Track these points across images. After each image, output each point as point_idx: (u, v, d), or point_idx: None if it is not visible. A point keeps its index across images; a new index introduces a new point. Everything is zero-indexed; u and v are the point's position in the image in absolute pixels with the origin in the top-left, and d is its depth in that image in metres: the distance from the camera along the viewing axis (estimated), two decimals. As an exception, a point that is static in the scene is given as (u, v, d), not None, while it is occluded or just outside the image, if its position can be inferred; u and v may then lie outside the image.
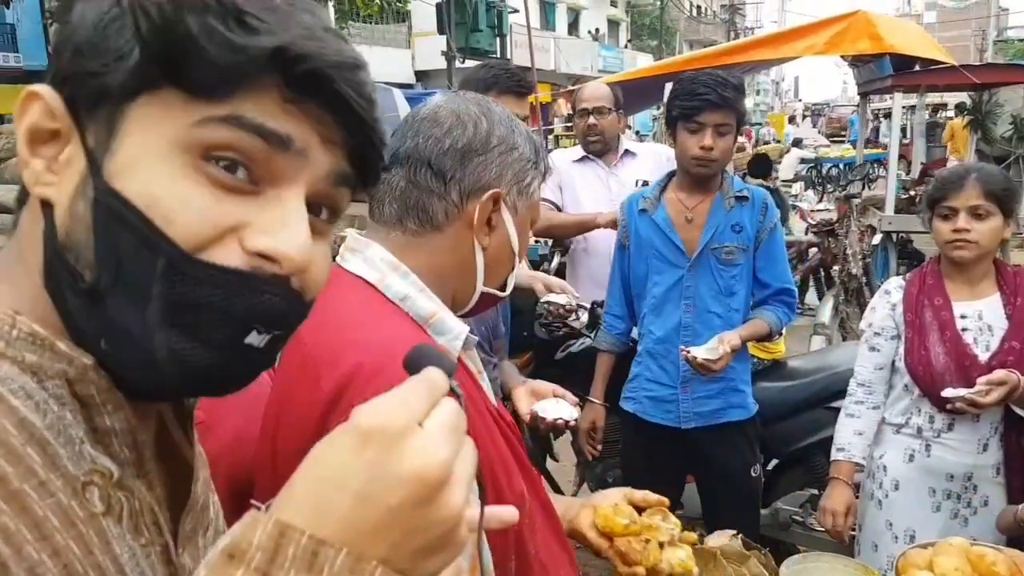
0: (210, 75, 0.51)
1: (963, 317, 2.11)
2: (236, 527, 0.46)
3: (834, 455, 2.26)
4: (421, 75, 21.35)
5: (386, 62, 19.44)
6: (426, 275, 1.04)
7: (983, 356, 2.05)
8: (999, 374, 1.93)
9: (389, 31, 21.90)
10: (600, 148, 3.25)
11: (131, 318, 0.51)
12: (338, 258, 1.07)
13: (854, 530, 2.37)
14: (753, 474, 2.58)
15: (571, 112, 3.42)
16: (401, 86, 14.39)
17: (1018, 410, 2.01)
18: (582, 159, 3.28)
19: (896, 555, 2.13)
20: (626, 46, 35.59)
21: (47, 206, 0.53)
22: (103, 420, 0.55)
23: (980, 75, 6.25)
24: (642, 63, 21.10)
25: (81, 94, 0.53)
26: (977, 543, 1.42)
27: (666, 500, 1.34)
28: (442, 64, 14.67)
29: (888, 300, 2.26)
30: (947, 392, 2.03)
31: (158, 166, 0.51)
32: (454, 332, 1.03)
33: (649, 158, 3.33)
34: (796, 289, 2.60)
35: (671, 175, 2.56)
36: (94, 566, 0.52)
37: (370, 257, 1.04)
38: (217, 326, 0.52)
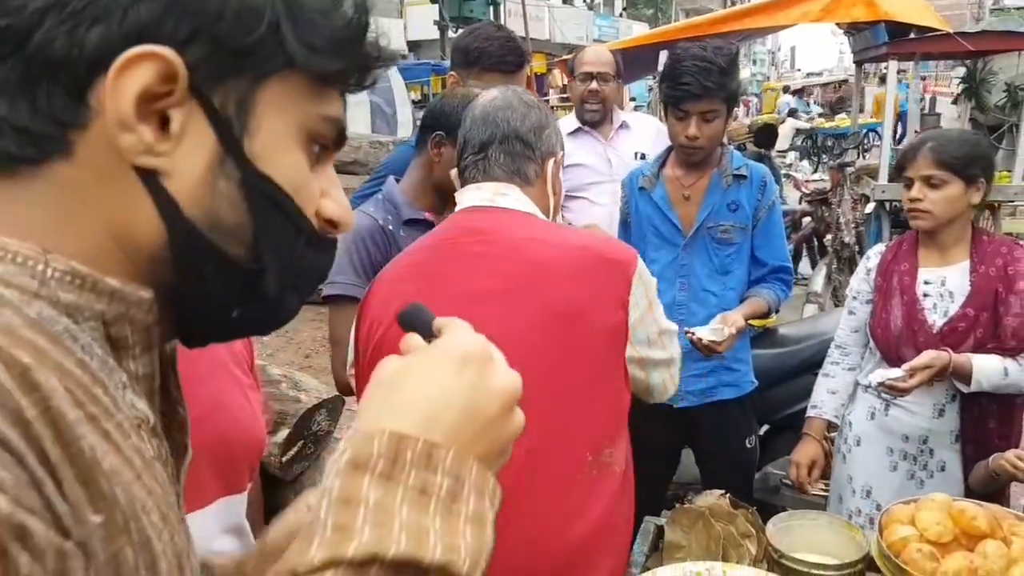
0: (340, 65, 0.57)
1: (927, 283, 2.14)
2: (345, 441, 0.54)
3: (808, 412, 2.37)
4: (413, 45, 21.12)
5: (378, 32, 19.13)
6: None
7: (938, 322, 2.08)
8: (924, 357, 1.98)
9: (381, 0, 21.63)
10: (598, 118, 3.06)
11: (272, 289, 0.57)
12: (488, 202, 1.45)
13: (827, 488, 2.44)
14: (749, 445, 2.61)
15: (565, 80, 3.26)
16: (394, 57, 14.22)
17: (959, 385, 2.04)
18: (576, 131, 3.09)
19: (855, 508, 2.21)
20: (621, 15, 35.18)
21: (148, 174, 0.51)
22: (130, 364, 0.53)
23: (975, 42, 6.20)
24: (637, 32, 20.88)
25: (214, 63, 0.51)
26: (959, 499, 1.45)
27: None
28: (435, 34, 14.53)
29: (866, 265, 2.31)
30: (868, 379, 2.10)
31: (295, 152, 0.56)
32: None
33: (644, 130, 3.21)
34: (792, 265, 2.61)
35: (670, 150, 2.54)
36: (170, 507, 0.52)
37: (519, 198, 1.45)
38: (313, 284, 0.61)
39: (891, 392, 2.04)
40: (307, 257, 0.59)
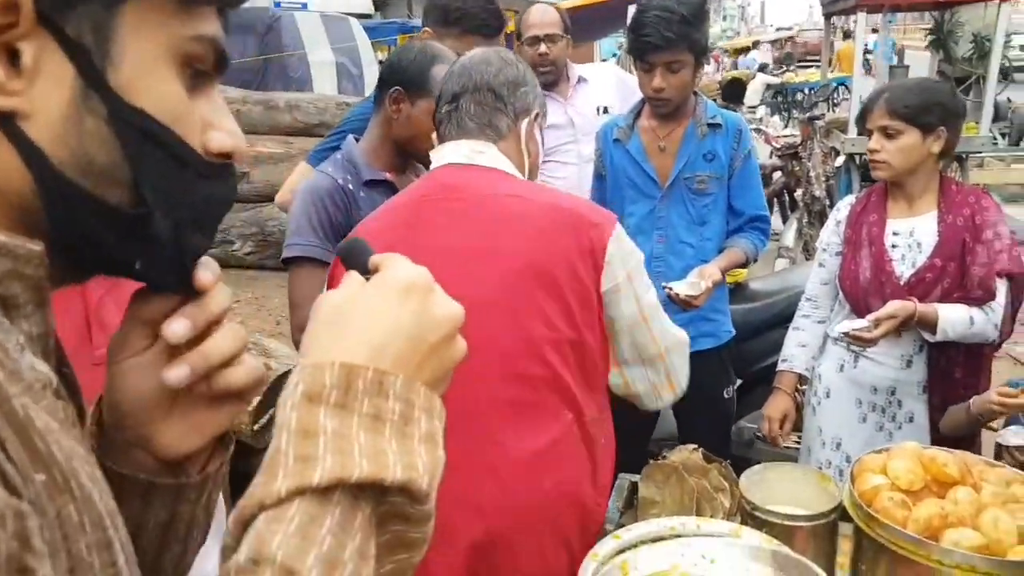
0: None
1: (895, 234, 2.14)
2: (296, 375, 0.54)
3: (779, 366, 2.37)
4: (380, 3, 20.66)
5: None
6: None
7: (906, 273, 2.08)
8: (889, 307, 1.98)
9: (344, -42, 21.09)
10: (552, 79, 2.96)
11: (165, 231, 0.53)
12: (467, 159, 1.44)
13: (799, 442, 2.46)
14: (726, 396, 2.63)
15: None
16: (359, 16, 13.93)
17: (925, 335, 2.04)
18: None
19: (825, 460, 2.23)
20: (590, -29, 34.71)
21: (3, 117, 0.46)
22: (22, 324, 0.49)
23: (943, -8, 6.19)
24: (606, -12, 20.61)
25: None
26: (929, 447, 1.46)
27: None
28: (401, -8, 14.21)
29: (836, 217, 2.30)
30: (834, 329, 2.10)
31: (167, 80, 0.52)
32: None
33: (603, 81, 3.13)
34: (769, 221, 2.58)
35: (643, 101, 2.50)
36: (93, 465, 0.51)
37: (496, 156, 1.45)
38: (216, 217, 0.59)
39: (857, 343, 2.05)
40: (200, 189, 0.55)
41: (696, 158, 2.40)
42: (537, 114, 1.52)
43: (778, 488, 1.52)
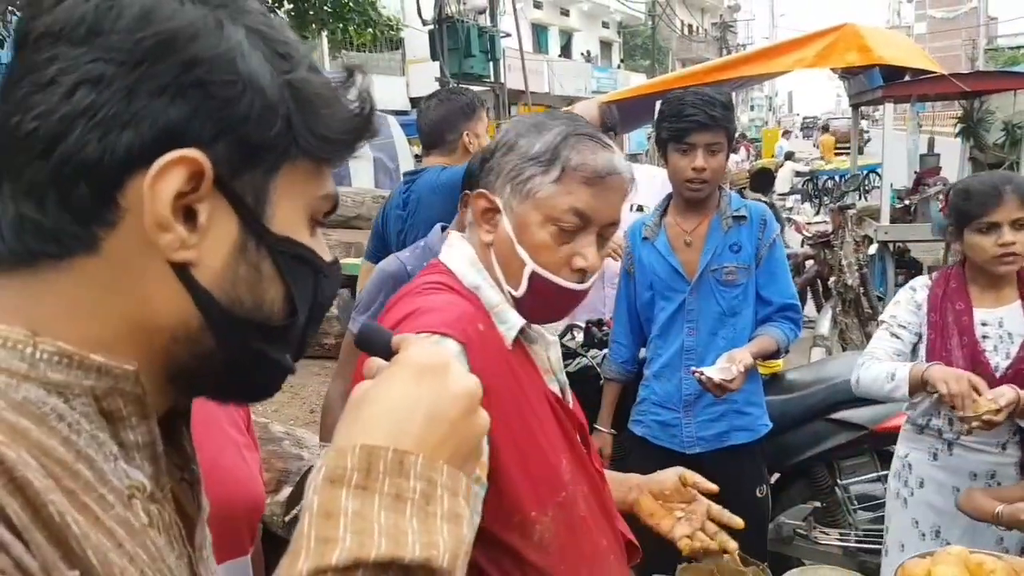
0: (348, 150, 0.62)
1: (984, 324, 2.10)
2: (320, 460, 0.57)
3: (900, 376, 2.07)
4: (416, 101, 21.43)
5: (380, 90, 19.52)
6: (499, 265, 1.21)
7: (1002, 364, 2.05)
8: (1009, 394, 1.88)
9: (383, 59, 22.06)
10: None
11: (300, 329, 0.62)
12: (441, 251, 1.29)
13: (842, 538, 2.35)
14: (759, 495, 2.55)
15: None
16: (396, 113, 14.47)
17: (1021, 422, 1.99)
18: None
19: (923, 552, 2.11)
20: (619, 67, 35.81)
21: (180, 267, 0.54)
22: (127, 435, 0.55)
23: (970, 83, 6.27)
24: (635, 83, 21.25)
25: (236, 158, 0.55)
26: (976, 552, 1.40)
27: (715, 488, 1.42)
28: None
29: (914, 297, 2.23)
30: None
31: (302, 232, 0.61)
32: (509, 323, 1.18)
33: (644, 182, 3.22)
34: (800, 311, 2.55)
35: (669, 197, 2.55)
36: (159, 572, 0.54)
37: (457, 252, 1.24)
38: (326, 308, 0.66)
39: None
40: (324, 289, 0.64)
41: (723, 250, 2.42)
42: (499, 190, 1.21)
43: (819, 593, 1.46)
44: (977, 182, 2.21)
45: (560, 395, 1.28)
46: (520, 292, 1.18)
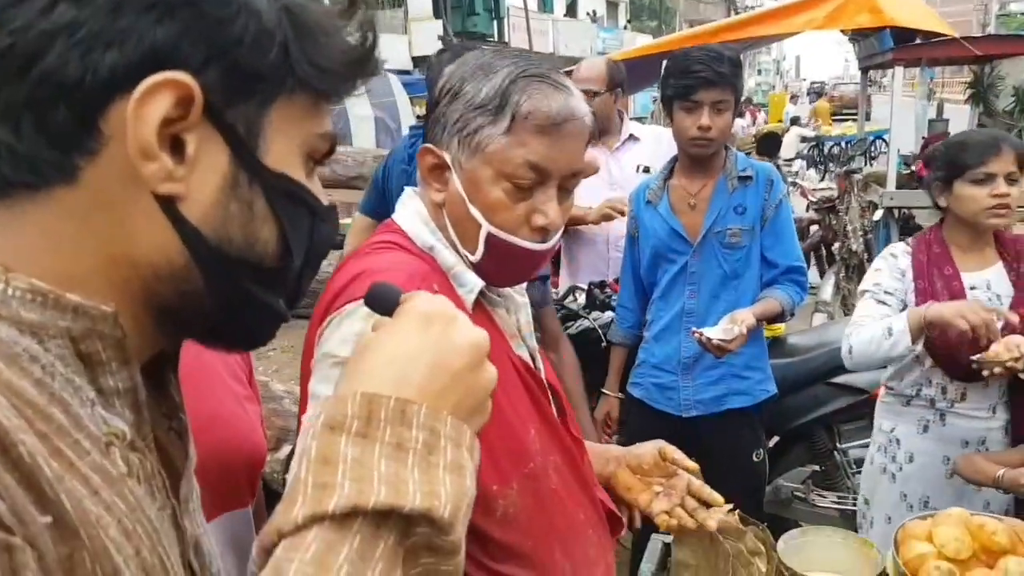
0: (348, 84, 0.59)
1: (972, 288, 2.08)
2: (319, 407, 0.55)
3: (898, 328, 2.00)
4: (419, 61, 21.16)
5: (383, 48, 19.21)
6: (452, 227, 1.11)
7: (997, 326, 2.02)
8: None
9: (385, 17, 21.70)
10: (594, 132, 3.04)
11: (295, 273, 0.60)
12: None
13: (838, 502, 2.35)
14: (756, 459, 2.55)
15: None
16: (398, 72, 14.30)
17: None
18: None
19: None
20: (625, 27, 35.31)
21: (166, 200, 0.51)
22: (107, 380, 0.53)
23: (981, 47, 6.18)
24: (641, 44, 20.98)
25: (228, 85, 0.52)
26: (977, 513, 1.40)
27: (696, 466, 1.33)
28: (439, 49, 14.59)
29: (896, 264, 2.19)
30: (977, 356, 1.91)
31: (298, 171, 0.58)
32: (468, 286, 1.09)
33: (651, 143, 3.18)
34: (807, 273, 2.51)
35: (675, 160, 2.51)
36: (139, 522, 0.51)
37: (410, 211, 1.14)
38: (325, 254, 0.63)
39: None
40: (321, 232, 0.61)
41: (727, 212, 2.38)
42: (447, 147, 1.08)
43: (817, 553, 1.47)
44: (975, 134, 2.20)
45: (531, 361, 1.19)
46: (477, 256, 1.08)
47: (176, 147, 0.51)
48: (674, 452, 1.32)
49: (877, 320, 2.09)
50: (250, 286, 0.57)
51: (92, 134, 0.49)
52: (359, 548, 0.50)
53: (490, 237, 1.07)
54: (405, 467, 0.53)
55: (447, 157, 1.07)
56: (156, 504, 0.55)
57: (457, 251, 1.10)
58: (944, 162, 2.11)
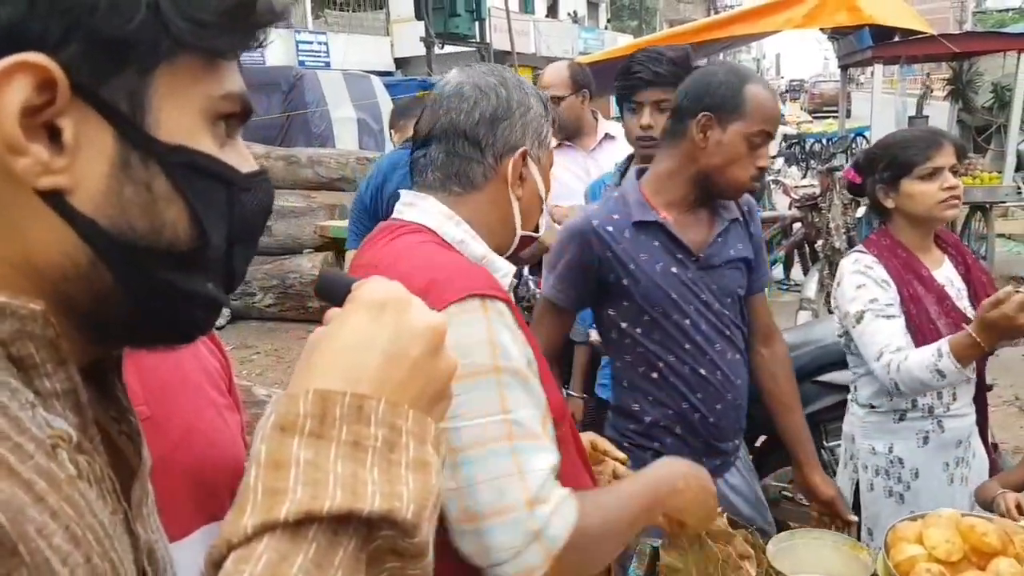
0: (234, 37, 0.53)
1: (944, 286, 2.07)
2: (271, 407, 0.51)
3: (935, 354, 1.88)
4: (401, 62, 21.14)
5: (365, 50, 19.23)
6: (473, 228, 1.20)
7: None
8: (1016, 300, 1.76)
9: (367, 19, 21.67)
10: (560, 137, 3.00)
11: (220, 250, 0.54)
12: (395, 213, 1.24)
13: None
14: None
15: None
16: (380, 74, 14.24)
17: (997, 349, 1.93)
18: (559, 146, 3.06)
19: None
20: (606, 27, 35.38)
21: (52, 195, 0.47)
22: (43, 383, 0.49)
23: (959, 44, 6.23)
24: (622, 44, 21.01)
25: (94, 59, 0.47)
26: (967, 514, 1.39)
27: (625, 457, 1.50)
28: (421, 51, 14.52)
29: (874, 276, 2.06)
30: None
31: (202, 139, 0.53)
32: (504, 270, 1.20)
33: (624, 144, 3.17)
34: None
35: (631, 158, 2.51)
36: (89, 528, 0.48)
37: (427, 208, 1.20)
38: (260, 226, 0.58)
39: None
40: (245, 202, 0.56)
41: None
42: (528, 149, 1.24)
43: (807, 556, 1.45)
44: (911, 132, 2.21)
45: None
46: (543, 232, 1.30)
47: (54, 136, 0.47)
48: (605, 444, 1.50)
49: (905, 343, 1.98)
50: (166, 275, 0.52)
51: None
52: (315, 557, 0.47)
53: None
54: (363, 467, 0.49)
55: (530, 156, 1.24)
56: (108, 508, 0.53)
57: (482, 240, 1.22)
58: (888, 163, 2.09)
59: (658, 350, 1.84)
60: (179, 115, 0.51)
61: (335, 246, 6.50)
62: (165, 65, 0.50)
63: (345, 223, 4.84)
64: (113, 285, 0.51)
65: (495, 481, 0.98)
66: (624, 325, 1.86)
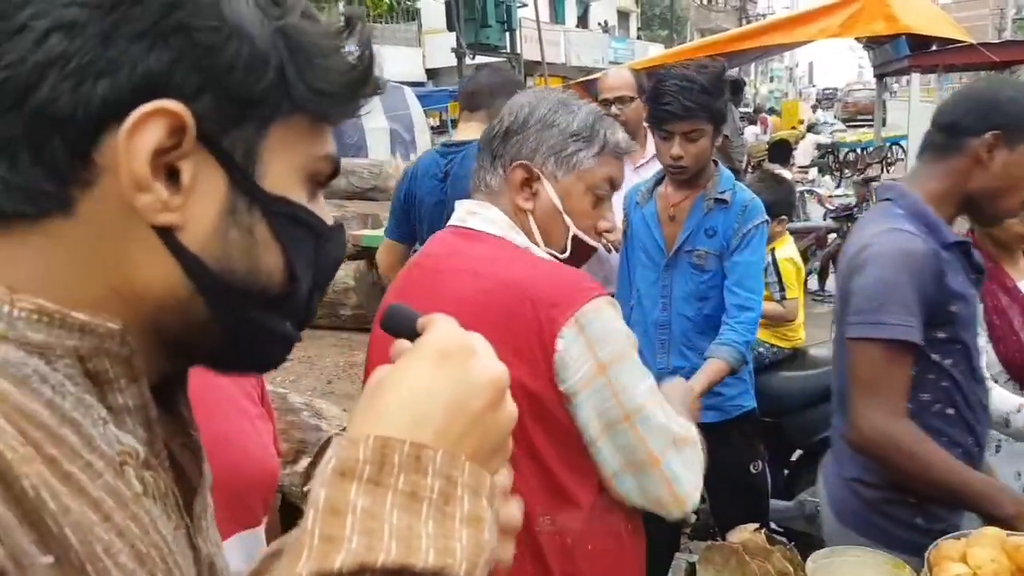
0: (346, 105, 0.57)
1: None
2: (330, 450, 0.51)
3: (1014, 408, 1.87)
4: (432, 73, 21.32)
5: (397, 61, 19.40)
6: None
7: None
8: None
9: (399, 30, 21.90)
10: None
11: (303, 296, 0.58)
12: (458, 220, 1.33)
13: None
14: (753, 471, 2.51)
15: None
16: (412, 84, 14.37)
17: None
18: None
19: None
20: (637, 37, 35.38)
21: (164, 230, 0.51)
22: (116, 398, 0.52)
23: (999, 53, 6.13)
24: (653, 53, 20.97)
25: (222, 112, 0.51)
26: (1012, 534, 1.37)
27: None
28: (453, 61, 14.63)
29: None
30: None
31: (297, 193, 0.57)
32: None
33: None
34: (758, 309, 2.34)
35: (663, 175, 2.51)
36: (153, 546, 0.50)
37: (491, 217, 1.29)
38: (331, 275, 0.62)
39: None
40: (327, 253, 0.60)
41: (699, 232, 2.35)
42: (540, 163, 1.29)
43: (847, 573, 1.43)
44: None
45: None
46: (567, 254, 1.32)
47: (172, 176, 0.51)
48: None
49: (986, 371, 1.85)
50: (258, 314, 0.56)
51: (87, 166, 0.49)
52: None
53: (574, 238, 1.32)
54: (419, 519, 0.50)
55: (543, 172, 1.29)
56: (172, 523, 0.54)
57: (542, 249, 1.31)
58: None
59: (962, 381, 1.64)
60: (283, 169, 0.55)
61: (368, 255, 6.55)
62: (280, 123, 0.54)
63: (378, 232, 4.91)
64: (207, 318, 0.54)
65: (662, 428, 1.20)
66: (935, 357, 1.62)
